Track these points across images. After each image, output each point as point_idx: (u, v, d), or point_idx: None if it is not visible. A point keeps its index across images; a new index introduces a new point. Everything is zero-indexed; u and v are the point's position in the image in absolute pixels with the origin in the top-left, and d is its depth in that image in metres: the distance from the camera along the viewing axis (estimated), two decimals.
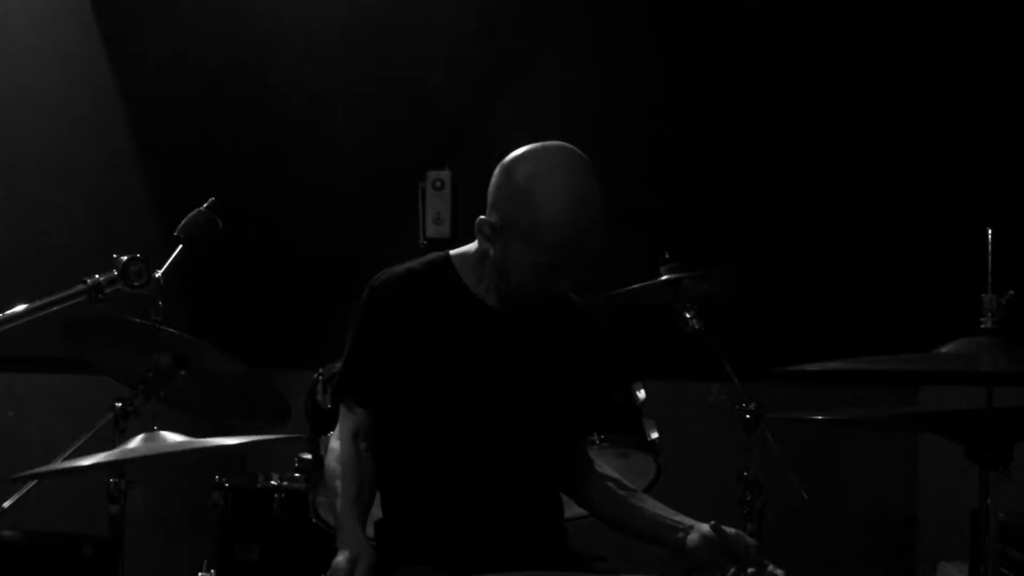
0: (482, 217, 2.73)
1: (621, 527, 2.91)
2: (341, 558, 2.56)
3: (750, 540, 2.64)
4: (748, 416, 3.79)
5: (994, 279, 2.42)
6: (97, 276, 2.86)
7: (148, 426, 2.89)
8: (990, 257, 2.42)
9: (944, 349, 2.43)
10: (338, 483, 2.74)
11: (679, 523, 2.77)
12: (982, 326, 2.44)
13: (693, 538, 2.71)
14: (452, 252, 2.87)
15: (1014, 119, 4.79)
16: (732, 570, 2.60)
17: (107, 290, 2.86)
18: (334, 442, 2.80)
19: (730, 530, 2.65)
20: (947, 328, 2.55)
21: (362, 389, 2.79)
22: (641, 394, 3.72)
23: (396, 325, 2.77)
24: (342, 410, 2.82)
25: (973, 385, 2.50)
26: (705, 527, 2.69)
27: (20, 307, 2.81)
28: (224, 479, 3.90)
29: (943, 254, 4.69)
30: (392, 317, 2.78)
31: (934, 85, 4.86)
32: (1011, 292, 2.45)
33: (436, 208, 4.92)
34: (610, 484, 2.91)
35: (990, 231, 2.43)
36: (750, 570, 2.59)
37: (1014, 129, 4.79)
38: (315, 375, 3.58)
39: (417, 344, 2.77)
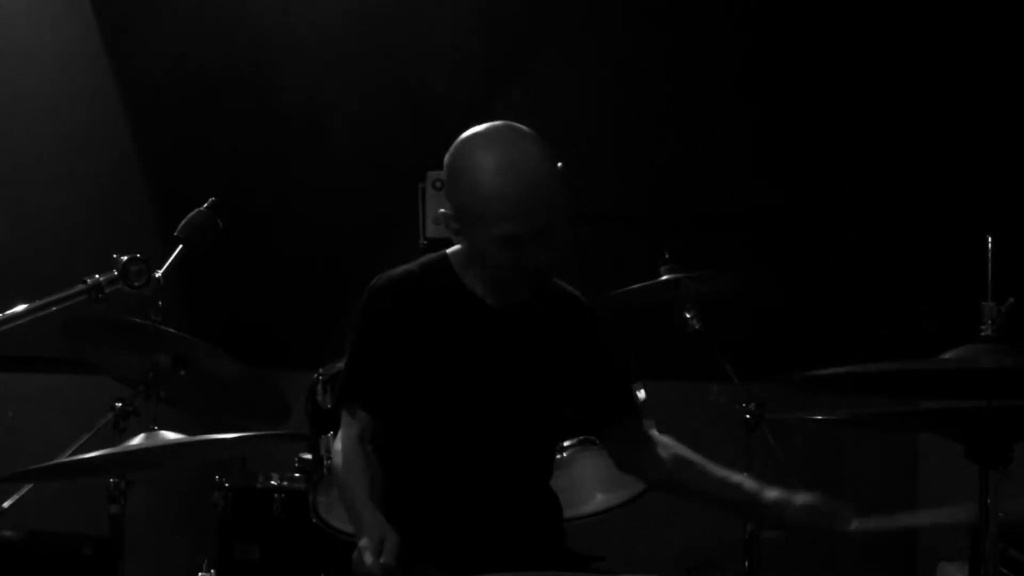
0: (441, 210, 2.76)
1: (691, 495, 2.91)
2: (365, 541, 2.53)
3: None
4: (748, 416, 3.80)
5: (994, 286, 2.42)
6: (97, 276, 2.86)
7: (148, 426, 2.88)
8: (990, 264, 2.42)
9: (945, 356, 2.43)
10: (349, 481, 2.72)
11: (745, 483, 2.79)
12: (982, 333, 2.44)
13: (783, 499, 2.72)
14: (449, 251, 2.87)
15: (1015, 126, 4.78)
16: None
17: (107, 290, 2.86)
18: (338, 445, 2.80)
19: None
20: (947, 335, 2.55)
21: (365, 395, 2.79)
22: (641, 394, 3.71)
23: (396, 329, 2.77)
24: (344, 415, 2.82)
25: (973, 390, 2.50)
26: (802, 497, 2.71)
27: (20, 307, 2.81)
28: (224, 479, 3.90)
29: (943, 261, 4.69)
30: (391, 321, 2.78)
31: (935, 91, 4.86)
32: (1011, 299, 2.44)
33: (436, 208, 4.90)
34: (676, 455, 2.92)
35: (990, 238, 2.43)
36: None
37: (1015, 136, 4.78)
38: (315, 375, 3.59)
39: (417, 346, 2.77)
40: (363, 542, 2.54)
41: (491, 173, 2.65)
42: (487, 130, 2.74)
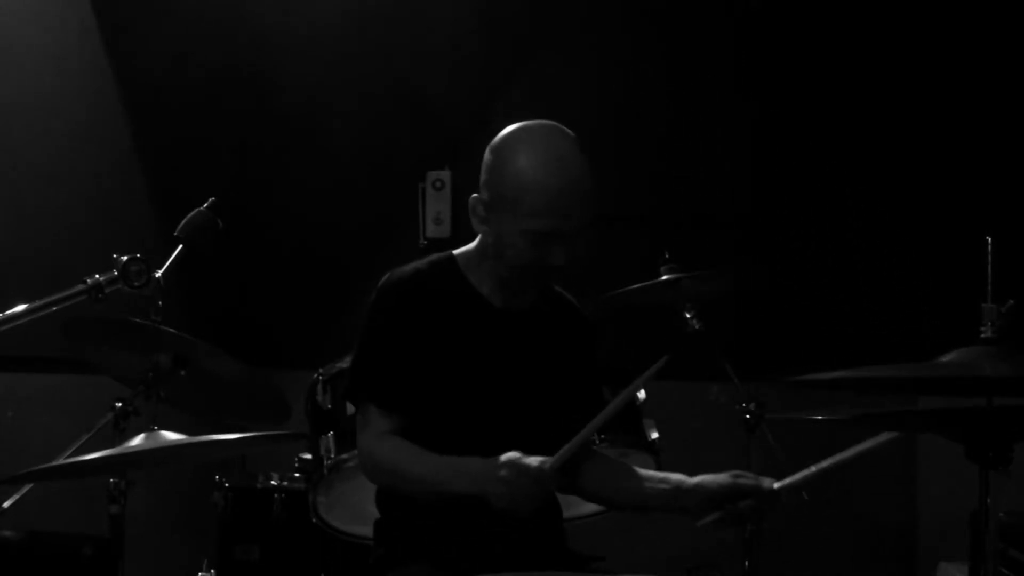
0: (475, 195, 2.78)
1: (622, 498, 2.94)
2: (512, 462, 2.58)
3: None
4: (748, 416, 3.79)
5: (994, 288, 2.42)
6: (97, 276, 2.86)
7: (148, 426, 2.88)
8: (990, 266, 2.41)
9: (944, 359, 2.42)
10: (415, 460, 2.71)
11: (670, 476, 2.83)
12: (982, 335, 2.43)
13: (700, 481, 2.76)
14: (455, 252, 2.88)
15: (1015, 126, 4.78)
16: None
17: (107, 290, 2.86)
18: (369, 445, 2.75)
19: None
20: (947, 337, 2.55)
21: (384, 392, 2.76)
22: (641, 394, 3.72)
23: (407, 326, 2.77)
24: (360, 416, 2.79)
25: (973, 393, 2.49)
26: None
27: (20, 307, 2.82)
28: (224, 479, 3.90)
29: (943, 262, 4.69)
30: (403, 318, 2.77)
31: (935, 91, 4.85)
32: (1011, 301, 2.44)
33: (436, 208, 4.93)
34: (607, 466, 2.95)
35: (990, 240, 2.42)
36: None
37: (1015, 136, 4.78)
38: (315, 375, 3.58)
39: (425, 344, 2.77)
40: (509, 464, 2.57)
41: (536, 166, 2.69)
42: (535, 125, 2.78)
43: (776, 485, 2.72)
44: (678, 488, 2.78)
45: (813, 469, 2.70)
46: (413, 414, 2.78)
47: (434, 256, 2.89)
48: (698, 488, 2.75)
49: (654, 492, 2.81)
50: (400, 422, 2.75)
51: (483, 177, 2.78)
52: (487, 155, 2.79)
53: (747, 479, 2.73)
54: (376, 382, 2.78)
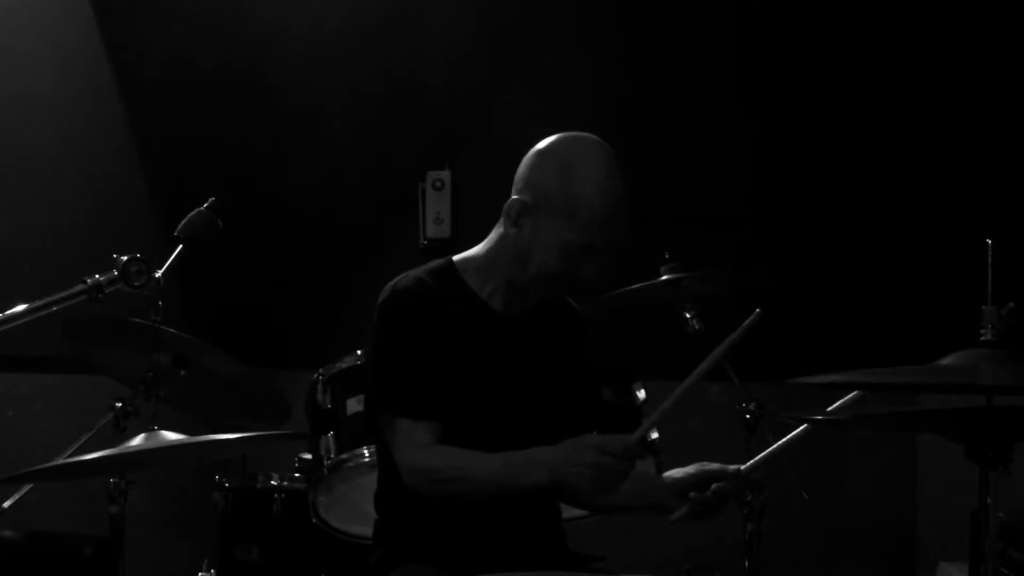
0: (514, 197, 2.74)
1: (608, 509, 2.99)
2: (592, 444, 2.58)
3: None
4: (748, 416, 3.79)
5: (994, 291, 2.42)
6: (97, 276, 2.86)
7: (148, 426, 2.88)
8: (990, 268, 2.41)
9: (944, 361, 2.42)
10: (472, 460, 2.67)
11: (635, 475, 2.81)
12: (982, 338, 2.43)
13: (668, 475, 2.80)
14: (455, 258, 2.87)
15: (1015, 129, 4.78)
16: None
17: (107, 290, 2.86)
18: (419, 457, 2.69)
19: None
20: (947, 340, 2.55)
21: (415, 402, 2.72)
22: (641, 394, 3.73)
23: (421, 333, 2.75)
24: (396, 429, 2.73)
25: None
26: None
27: (20, 307, 2.82)
28: (224, 479, 3.90)
29: (943, 265, 4.68)
30: (416, 326, 2.76)
31: (935, 94, 4.85)
32: (1011, 304, 2.43)
33: (436, 208, 4.92)
34: None
35: (990, 242, 2.42)
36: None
37: (1015, 139, 4.77)
38: (315, 375, 3.58)
39: (437, 351, 2.75)
40: (592, 446, 2.57)
41: (595, 181, 2.69)
42: (586, 137, 2.78)
43: (742, 467, 2.74)
44: (649, 484, 2.82)
45: (776, 446, 2.72)
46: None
47: (432, 263, 2.87)
48: (666, 481, 2.78)
49: (631, 492, 2.81)
50: (437, 430, 2.72)
51: (527, 179, 2.74)
52: (534, 158, 2.75)
53: (712, 465, 2.77)
54: (404, 394, 2.73)
